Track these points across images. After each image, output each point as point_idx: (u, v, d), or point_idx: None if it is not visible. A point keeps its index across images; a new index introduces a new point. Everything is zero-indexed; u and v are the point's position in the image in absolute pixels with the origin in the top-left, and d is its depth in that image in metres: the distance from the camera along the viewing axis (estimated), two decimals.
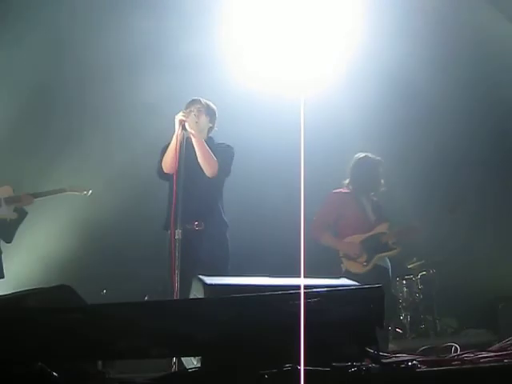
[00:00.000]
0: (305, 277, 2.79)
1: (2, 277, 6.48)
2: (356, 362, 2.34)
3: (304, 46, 7.94)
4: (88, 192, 6.86)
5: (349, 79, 8.11)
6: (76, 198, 7.24)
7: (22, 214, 6.55)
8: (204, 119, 5.42)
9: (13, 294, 3.03)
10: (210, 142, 5.42)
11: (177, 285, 4.58)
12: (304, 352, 2.33)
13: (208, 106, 5.48)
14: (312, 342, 2.32)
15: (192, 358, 2.63)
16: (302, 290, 2.35)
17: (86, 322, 2.31)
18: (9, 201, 6.46)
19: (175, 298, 4.51)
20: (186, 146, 5.11)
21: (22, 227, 6.81)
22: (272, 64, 8.09)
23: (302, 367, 2.25)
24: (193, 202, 4.99)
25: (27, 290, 2.96)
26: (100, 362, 2.77)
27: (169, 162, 5.18)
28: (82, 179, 7.45)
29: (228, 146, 5.48)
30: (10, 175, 7.26)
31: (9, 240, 6.61)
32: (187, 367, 2.79)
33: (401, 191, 7.97)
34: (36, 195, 6.59)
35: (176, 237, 4.77)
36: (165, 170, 5.25)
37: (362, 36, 7.88)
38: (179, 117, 5.13)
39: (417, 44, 7.85)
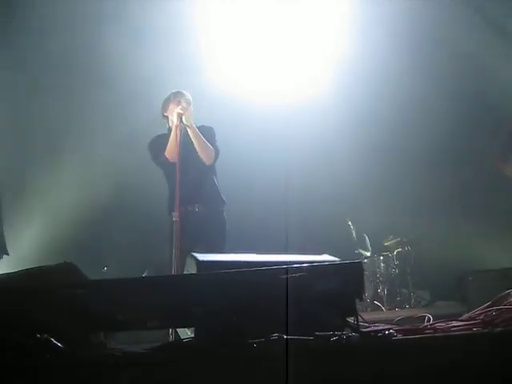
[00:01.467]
0: (290, 254, 2.81)
1: (7, 253, 6.45)
2: (337, 332, 2.36)
3: (293, 53, 7.95)
4: None
5: (339, 84, 8.06)
6: (78, 181, 7.21)
7: None
8: (190, 109, 5.48)
9: (20, 271, 3.03)
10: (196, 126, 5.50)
11: (175, 262, 4.63)
12: (289, 322, 2.35)
13: (189, 96, 5.55)
14: (297, 313, 2.34)
15: (186, 329, 2.65)
16: (287, 266, 2.37)
17: (89, 296, 2.32)
18: None
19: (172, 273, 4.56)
20: (183, 137, 5.22)
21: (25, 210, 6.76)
22: (261, 71, 8.06)
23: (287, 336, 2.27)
24: (192, 186, 5.07)
25: (34, 268, 2.96)
26: (102, 334, 2.78)
27: (171, 152, 5.24)
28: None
29: (209, 127, 5.56)
30: None
31: None
32: (182, 337, 2.80)
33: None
34: None
35: (174, 219, 4.87)
36: (170, 159, 5.29)
37: (351, 40, 7.84)
38: (177, 110, 5.23)
39: (410, 46, 7.82)
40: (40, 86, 7.81)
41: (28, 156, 7.91)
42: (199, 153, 5.31)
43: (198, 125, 5.52)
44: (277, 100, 7.93)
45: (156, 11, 7.44)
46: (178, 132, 5.24)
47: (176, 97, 5.45)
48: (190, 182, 5.11)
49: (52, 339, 2.36)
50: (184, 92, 5.53)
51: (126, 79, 7.57)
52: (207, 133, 5.47)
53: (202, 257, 2.64)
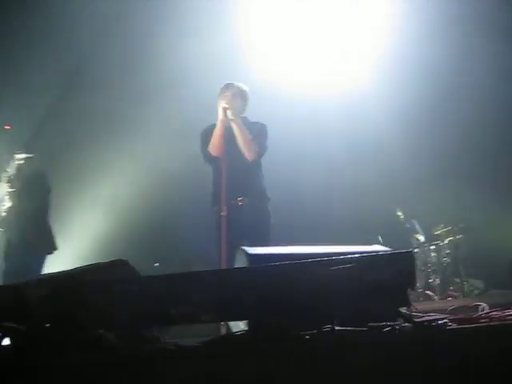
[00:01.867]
0: (340, 245, 2.81)
1: (51, 251, 6.54)
2: (390, 322, 2.35)
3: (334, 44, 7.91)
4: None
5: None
6: (119, 174, 7.29)
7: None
8: (238, 102, 5.46)
9: (74, 269, 3.09)
10: (245, 121, 5.48)
11: (224, 256, 4.67)
12: (341, 314, 2.35)
13: (240, 88, 5.52)
14: (348, 304, 2.34)
15: (239, 322, 2.66)
16: (338, 257, 2.37)
17: (142, 292, 2.35)
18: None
19: (222, 267, 4.60)
20: (229, 131, 5.23)
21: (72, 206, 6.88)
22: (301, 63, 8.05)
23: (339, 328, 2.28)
24: (236, 180, 5.08)
25: (88, 265, 3.02)
26: (155, 328, 2.82)
27: (216, 146, 5.28)
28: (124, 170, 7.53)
29: (262, 124, 5.53)
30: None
31: None
32: (234, 331, 2.83)
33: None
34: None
35: (222, 213, 4.90)
36: (213, 153, 5.33)
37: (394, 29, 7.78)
38: (222, 104, 5.24)
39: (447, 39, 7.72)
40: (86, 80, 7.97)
41: (77, 151, 8.04)
42: (241, 148, 5.32)
43: (253, 120, 5.53)
44: (322, 91, 7.91)
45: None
46: (222, 126, 5.27)
47: (223, 90, 5.46)
48: (235, 177, 5.12)
49: (107, 334, 2.41)
50: (234, 84, 5.51)
51: (173, 70, 7.66)
52: (258, 129, 5.45)
53: (252, 250, 2.65)
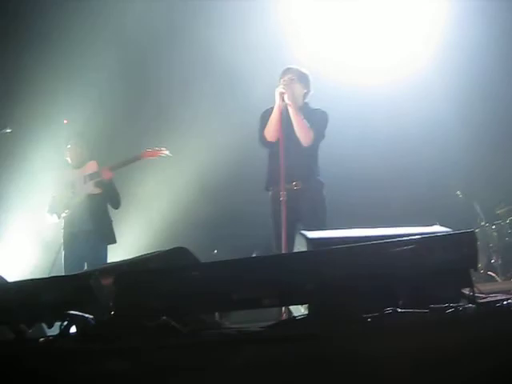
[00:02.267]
0: (399, 226, 2.79)
1: (115, 242, 6.66)
2: (453, 304, 2.33)
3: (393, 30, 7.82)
4: (165, 152, 6.59)
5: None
6: (178, 164, 7.37)
7: (106, 188, 6.57)
8: (297, 87, 5.43)
9: (136, 257, 3.16)
10: (305, 107, 5.46)
11: (284, 240, 4.69)
12: (402, 296, 2.35)
13: (300, 72, 5.48)
14: (410, 286, 2.33)
15: (300, 306, 2.68)
16: (398, 239, 2.36)
17: (204, 278, 2.39)
18: (91, 177, 6.56)
19: (283, 251, 4.63)
20: (286, 115, 5.23)
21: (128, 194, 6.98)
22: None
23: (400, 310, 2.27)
24: (291, 165, 5.07)
25: (149, 253, 3.08)
26: (217, 314, 2.87)
27: (271, 131, 5.29)
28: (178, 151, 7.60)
29: (323, 111, 5.48)
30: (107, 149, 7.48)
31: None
32: (295, 315, 2.84)
33: None
34: (112, 167, 6.58)
35: (281, 198, 4.93)
36: (268, 138, 5.34)
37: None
38: (279, 89, 5.23)
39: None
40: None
41: (131, 140, 8.14)
42: (296, 133, 5.30)
43: (315, 107, 5.51)
44: (380, 77, 7.84)
45: None
46: (278, 111, 5.25)
47: (283, 74, 5.45)
48: (291, 161, 5.12)
49: (170, 321, 2.46)
50: (293, 68, 5.49)
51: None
52: (317, 116, 5.42)
53: (311, 234, 2.66)
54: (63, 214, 6.52)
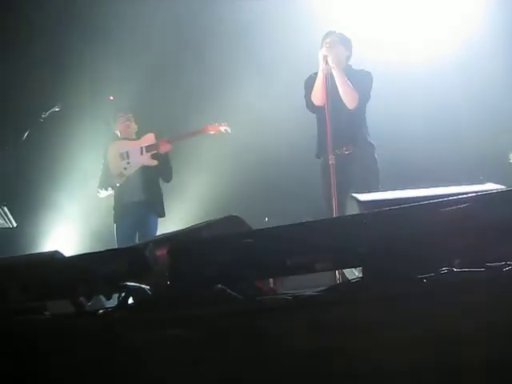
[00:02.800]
0: (452, 185, 2.75)
1: (164, 215, 6.70)
2: (510, 262, 2.29)
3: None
4: (226, 128, 6.60)
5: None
6: (225, 137, 7.39)
7: (162, 160, 6.57)
8: (340, 49, 5.40)
9: (188, 227, 3.19)
10: (348, 69, 5.43)
11: (335, 204, 4.69)
12: (458, 255, 2.32)
13: (342, 35, 5.44)
14: (465, 245, 2.30)
15: (353, 269, 2.68)
16: (452, 197, 2.32)
17: (257, 245, 2.40)
18: (148, 148, 6.55)
19: (335, 215, 4.63)
20: (331, 79, 5.20)
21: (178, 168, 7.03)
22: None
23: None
24: (340, 129, 5.06)
25: (201, 223, 3.11)
26: (271, 280, 2.89)
27: (318, 96, 5.29)
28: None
29: (367, 72, 5.44)
30: (158, 123, 7.51)
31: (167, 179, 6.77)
32: (350, 278, 2.84)
33: None
34: (172, 140, 6.62)
35: (330, 162, 4.91)
36: (315, 103, 5.33)
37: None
38: (322, 52, 5.19)
39: None
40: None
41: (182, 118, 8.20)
42: (341, 95, 5.26)
43: (358, 68, 5.46)
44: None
45: None
46: (322, 75, 5.22)
47: (324, 38, 5.41)
48: (339, 125, 5.09)
49: (226, 289, 2.49)
50: (335, 32, 5.45)
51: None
52: (361, 77, 5.39)
53: (362, 197, 2.65)
54: (117, 185, 6.56)
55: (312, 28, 7.16)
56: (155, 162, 6.56)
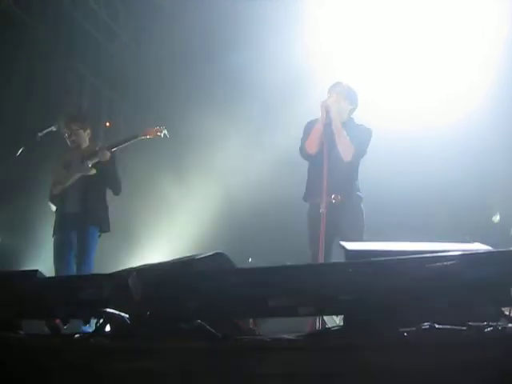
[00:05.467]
0: (439, 242, 2.75)
1: (108, 230, 6.30)
2: (492, 322, 2.28)
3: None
4: (163, 132, 6.22)
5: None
6: (214, 178, 7.37)
7: (104, 170, 6.20)
8: (343, 102, 5.43)
9: (172, 260, 3.17)
10: (350, 122, 5.47)
11: (322, 251, 4.68)
12: (440, 312, 2.31)
13: (348, 88, 5.49)
14: (448, 302, 2.29)
15: (335, 316, 2.66)
16: (439, 254, 2.32)
17: (240, 283, 2.38)
18: (89, 157, 6.19)
19: (320, 261, 4.62)
20: (329, 129, 5.24)
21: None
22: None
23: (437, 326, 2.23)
24: (331, 178, 5.07)
25: (186, 256, 3.08)
26: (251, 321, 2.86)
27: (312, 144, 5.32)
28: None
29: (367, 128, 5.48)
30: None
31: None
32: (330, 326, 2.82)
33: None
34: (110, 147, 6.23)
35: (321, 210, 4.92)
36: (308, 151, 5.36)
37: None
38: (324, 103, 5.23)
39: None
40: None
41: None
42: (338, 147, 5.30)
43: (359, 123, 5.50)
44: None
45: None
46: (321, 124, 5.26)
47: (331, 89, 5.46)
48: (330, 175, 5.11)
49: (205, 325, 2.46)
50: (342, 84, 5.49)
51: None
52: (360, 132, 5.42)
53: (350, 246, 2.64)
54: (54, 193, 6.29)
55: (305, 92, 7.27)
56: (93, 171, 6.18)
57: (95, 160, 6.18)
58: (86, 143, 6.45)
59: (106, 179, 6.28)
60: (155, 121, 6.61)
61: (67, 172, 6.26)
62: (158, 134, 6.22)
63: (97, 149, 6.29)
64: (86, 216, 6.10)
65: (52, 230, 6.25)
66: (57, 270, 5.96)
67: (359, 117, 5.62)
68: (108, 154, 6.14)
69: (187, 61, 8.41)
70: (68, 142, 6.42)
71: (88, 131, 6.47)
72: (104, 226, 6.25)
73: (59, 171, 6.33)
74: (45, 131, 6.48)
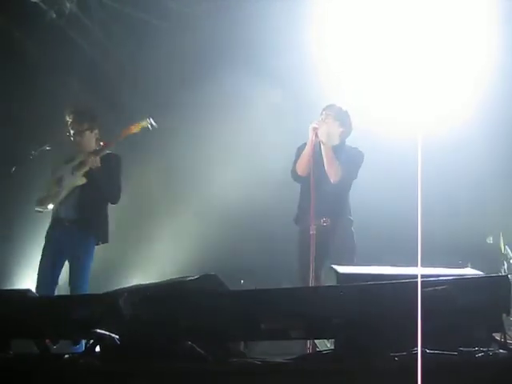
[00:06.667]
0: (431, 267, 2.75)
1: (106, 240, 5.93)
2: (483, 348, 2.28)
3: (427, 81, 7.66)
4: (149, 121, 5.89)
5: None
6: (208, 195, 7.32)
7: (96, 176, 5.80)
8: (333, 124, 5.43)
9: (164, 281, 3.16)
10: (341, 145, 5.47)
11: (312, 274, 4.66)
12: (432, 337, 2.30)
13: (339, 110, 5.48)
14: (440, 327, 2.29)
15: (326, 340, 2.66)
16: (430, 278, 2.33)
17: (233, 306, 2.38)
18: (77, 167, 5.83)
19: (311, 285, 4.59)
20: (319, 152, 5.25)
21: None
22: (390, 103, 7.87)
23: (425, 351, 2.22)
24: (321, 201, 5.07)
25: (177, 278, 3.08)
26: (242, 344, 2.85)
27: (302, 166, 5.33)
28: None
29: (359, 151, 5.49)
30: None
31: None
32: (321, 349, 2.81)
33: None
34: (97, 152, 5.88)
35: (311, 232, 4.91)
36: (298, 173, 5.37)
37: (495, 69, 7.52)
38: (312, 125, 5.25)
39: None
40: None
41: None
42: (326, 170, 5.31)
43: (352, 146, 5.51)
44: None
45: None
46: (310, 147, 5.26)
47: (322, 111, 5.47)
48: (321, 197, 5.11)
49: (195, 347, 2.45)
50: (334, 106, 5.48)
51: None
52: (352, 156, 5.42)
53: (341, 269, 2.64)
54: (37, 209, 5.96)
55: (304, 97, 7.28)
56: (83, 180, 5.83)
57: (85, 169, 5.86)
58: (91, 146, 6.12)
59: (99, 187, 5.87)
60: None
61: (58, 188, 6.03)
62: (143, 124, 5.88)
63: (83, 158, 5.88)
64: (81, 222, 5.80)
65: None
66: (41, 274, 5.74)
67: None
68: (97, 160, 5.81)
69: (184, 80, 8.41)
70: (71, 139, 6.04)
71: (96, 131, 6.09)
72: (102, 237, 5.95)
73: (50, 187, 6.12)
74: (39, 149, 6.38)
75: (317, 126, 5.25)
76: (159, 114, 7.54)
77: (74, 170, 5.89)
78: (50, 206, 5.86)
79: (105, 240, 5.93)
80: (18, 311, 2.87)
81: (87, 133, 6.00)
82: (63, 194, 5.85)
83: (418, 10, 7.07)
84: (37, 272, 5.79)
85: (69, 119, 6.01)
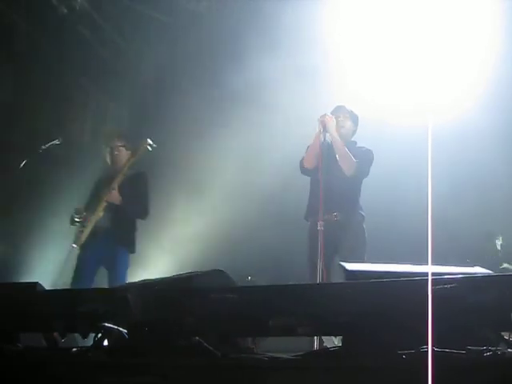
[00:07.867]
0: (439, 265, 2.74)
1: (134, 251, 6.22)
2: (491, 347, 2.27)
3: (433, 68, 7.62)
4: (150, 143, 6.09)
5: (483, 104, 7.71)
6: (217, 191, 7.34)
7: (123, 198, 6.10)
8: (349, 124, 5.51)
9: (174, 276, 3.16)
10: (351, 144, 5.51)
11: (320, 270, 4.66)
12: (439, 335, 2.29)
13: (352, 112, 5.56)
14: (448, 325, 2.28)
15: (333, 337, 2.65)
16: (440, 276, 2.31)
17: (240, 301, 2.38)
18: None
19: (319, 281, 4.59)
20: (328, 146, 5.26)
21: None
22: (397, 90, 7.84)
23: (433, 348, 2.21)
24: (332, 195, 5.07)
25: (185, 273, 3.08)
26: (250, 339, 2.84)
27: (309, 158, 5.35)
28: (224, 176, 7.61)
29: (368, 149, 5.51)
30: None
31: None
32: (328, 346, 2.81)
33: None
34: (113, 187, 6.11)
35: (318, 227, 4.90)
36: (305, 165, 5.39)
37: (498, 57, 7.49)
38: (320, 118, 5.27)
39: None
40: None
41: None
42: (340, 163, 5.31)
43: (360, 145, 5.54)
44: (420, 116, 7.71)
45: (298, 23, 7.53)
46: (317, 140, 5.29)
47: (335, 111, 5.51)
48: (332, 192, 5.11)
49: (203, 342, 2.45)
50: (344, 106, 5.57)
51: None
52: (362, 153, 5.45)
53: (349, 266, 2.63)
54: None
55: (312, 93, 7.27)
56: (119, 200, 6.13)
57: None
58: (124, 163, 6.27)
59: (127, 207, 6.17)
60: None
61: (99, 203, 6.17)
62: (145, 149, 6.11)
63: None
64: (116, 232, 6.09)
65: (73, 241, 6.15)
66: (78, 280, 5.89)
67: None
68: (115, 195, 6.07)
69: (194, 76, 8.43)
70: (108, 157, 6.34)
71: (129, 152, 6.34)
72: (131, 247, 6.23)
73: (95, 200, 6.26)
74: (48, 144, 6.47)
75: (324, 119, 5.27)
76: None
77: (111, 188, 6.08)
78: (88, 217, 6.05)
79: (134, 250, 6.21)
80: (27, 304, 2.87)
81: (123, 149, 6.31)
82: (101, 206, 6.04)
83: (426, 3, 7.10)
84: (71, 277, 5.95)
85: (107, 137, 6.47)
